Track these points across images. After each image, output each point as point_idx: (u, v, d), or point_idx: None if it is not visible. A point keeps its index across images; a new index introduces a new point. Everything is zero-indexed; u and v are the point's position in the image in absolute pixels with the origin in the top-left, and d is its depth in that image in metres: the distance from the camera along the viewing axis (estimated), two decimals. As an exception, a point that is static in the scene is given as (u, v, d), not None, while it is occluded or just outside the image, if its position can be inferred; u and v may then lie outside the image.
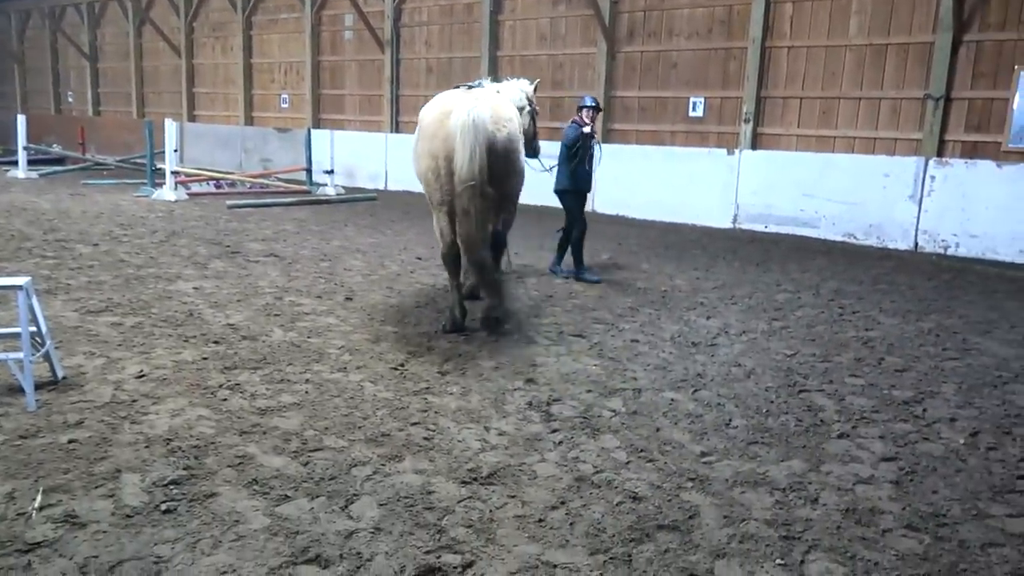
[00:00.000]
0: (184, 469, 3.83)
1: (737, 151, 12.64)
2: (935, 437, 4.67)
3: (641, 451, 4.35)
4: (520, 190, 6.74)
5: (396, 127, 18.04)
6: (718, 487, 3.96)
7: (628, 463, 4.20)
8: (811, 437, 4.62)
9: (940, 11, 10.75)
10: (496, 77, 9.52)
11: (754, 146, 12.61)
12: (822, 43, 11.89)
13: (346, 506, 3.59)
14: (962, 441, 4.62)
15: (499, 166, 6.03)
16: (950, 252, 10.73)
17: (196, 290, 7.41)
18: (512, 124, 6.33)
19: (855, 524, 3.64)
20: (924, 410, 5.09)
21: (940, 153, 10.94)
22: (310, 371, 5.30)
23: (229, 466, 3.90)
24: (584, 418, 4.77)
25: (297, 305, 7.02)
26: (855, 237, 11.47)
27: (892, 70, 11.35)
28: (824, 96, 11.98)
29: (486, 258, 6.11)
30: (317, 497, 3.65)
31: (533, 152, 7.91)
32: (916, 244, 11.01)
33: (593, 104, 8.59)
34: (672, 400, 5.12)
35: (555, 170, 8.55)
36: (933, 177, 10.79)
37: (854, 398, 5.28)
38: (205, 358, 5.44)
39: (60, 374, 4.84)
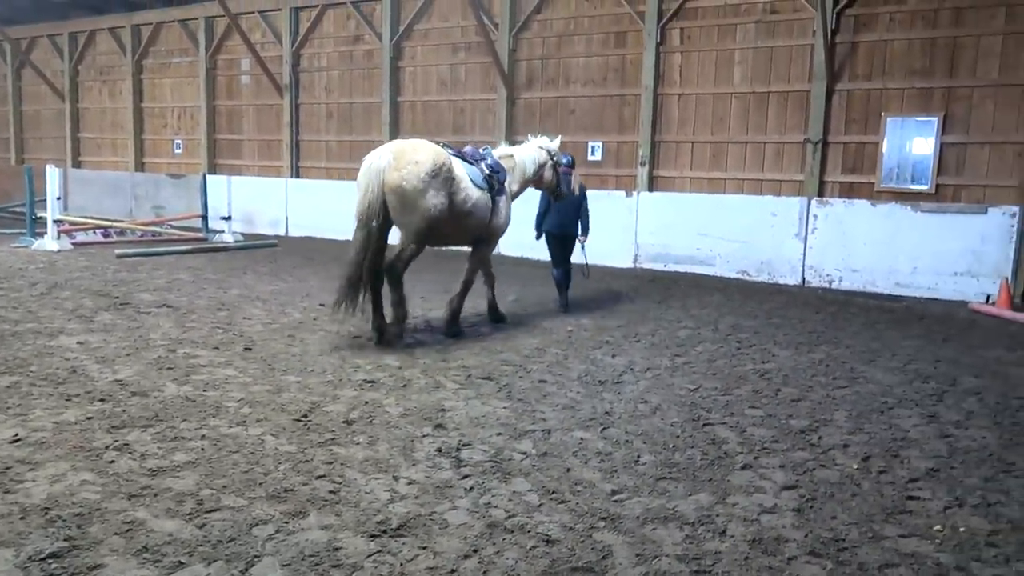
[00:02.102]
0: (65, 540, 3.54)
1: (635, 193, 13.05)
2: (831, 464, 4.85)
3: (552, 492, 4.32)
4: (418, 227, 7.27)
5: (296, 172, 17.77)
6: (629, 525, 3.96)
7: (540, 505, 4.16)
8: (716, 470, 4.71)
9: (814, 62, 11.54)
10: (514, 140, 11.55)
11: (651, 188, 13.08)
12: (710, 91, 12.54)
13: (246, 569, 3.39)
14: (855, 466, 4.81)
15: (392, 203, 7.11)
16: (834, 286, 11.36)
17: (80, 345, 6.95)
18: (415, 167, 7.05)
19: (762, 554, 3.71)
20: (819, 438, 5.29)
21: (821, 193, 11.65)
22: (206, 426, 5.03)
23: (116, 534, 3.62)
24: (495, 462, 4.71)
25: (192, 357, 6.69)
26: (748, 273, 11.98)
27: (774, 116, 12.07)
28: (714, 140, 12.61)
29: (357, 280, 7.15)
30: (214, 562, 3.43)
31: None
32: (804, 279, 11.61)
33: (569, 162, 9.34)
34: (581, 439, 5.14)
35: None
36: (816, 216, 11.45)
37: (755, 429, 5.44)
38: (90, 417, 5.09)
39: (-78, 442, 4.42)
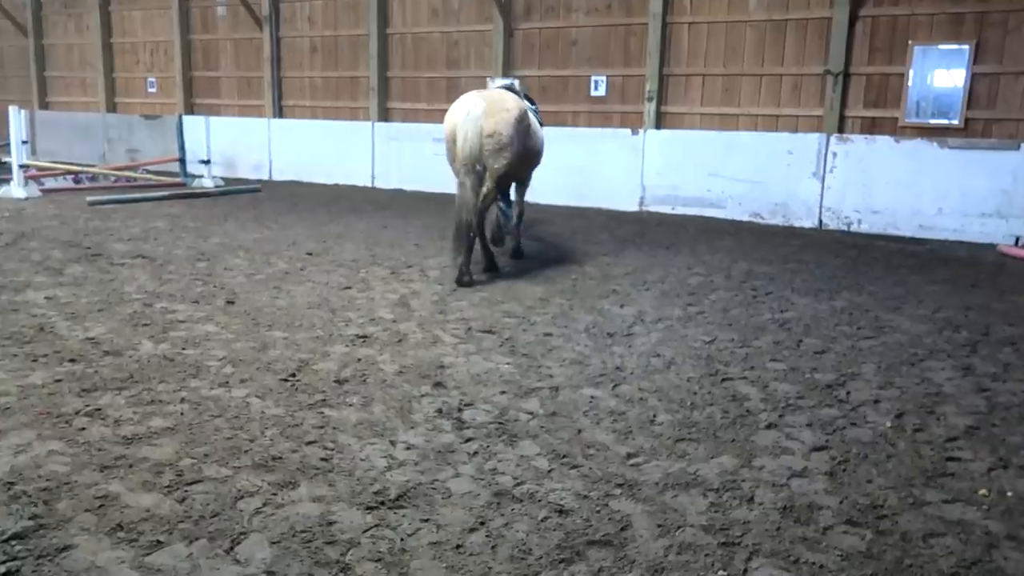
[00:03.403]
0: (30, 519, 3.20)
1: (641, 131, 12.47)
2: (862, 422, 4.49)
3: (563, 457, 3.97)
4: (504, 170, 7.84)
5: (279, 112, 17.02)
6: (648, 492, 3.62)
7: (550, 471, 3.82)
8: (739, 429, 4.36)
9: (836, -14, 10.86)
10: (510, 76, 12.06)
11: (658, 125, 12.49)
12: (723, 19, 11.84)
13: (232, 548, 3.06)
14: (888, 424, 4.46)
15: (488, 148, 7.59)
16: (853, 229, 10.89)
17: (49, 300, 6.54)
18: (507, 114, 7.71)
19: (794, 523, 3.37)
20: (848, 393, 4.93)
21: (841, 129, 11.08)
22: (186, 388, 4.67)
23: (88, 510, 3.28)
24: (499, 423, 4.36)
25: (170, 312, 6.29)
26: (761, 216, 11.50)
27: (792, 46, 11.41)
28: (726, 73, 11.96)
29: (472, 222, 7.60)
30: (196, 540, 3.10)
31: None
32: (820, 222, 11.12)
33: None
34: (592, 397, 4.78)
35: None
36: (835, 154, 10.91)
37: (777, 384, 5.08)
38: (58, 380, 4.72)
39: None
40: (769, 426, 4.40)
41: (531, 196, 13.35)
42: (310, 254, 8.71)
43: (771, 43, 11.55)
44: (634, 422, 4.43)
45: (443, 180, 12.37)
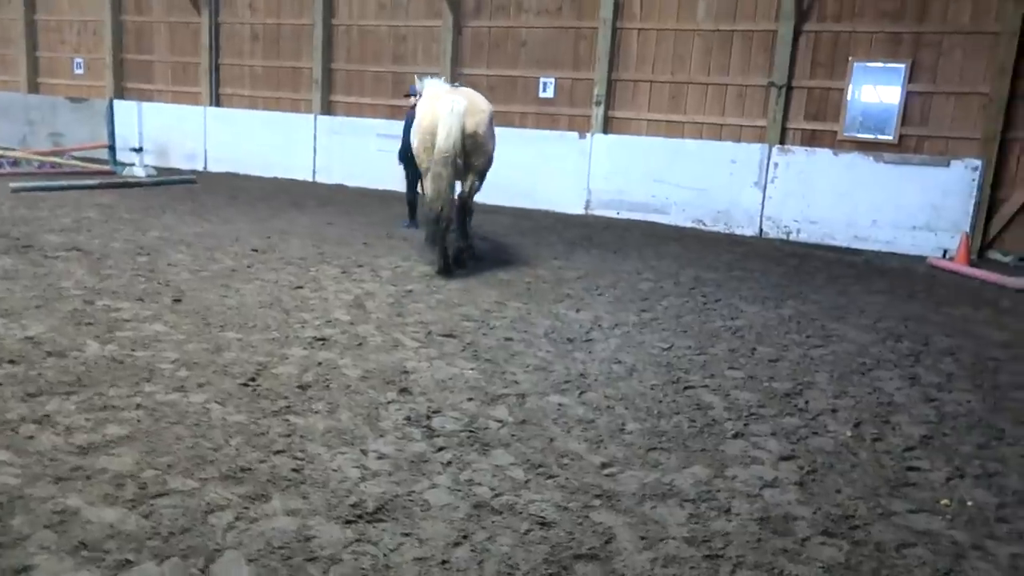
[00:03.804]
0: (-20, 536, 2.98)
1: (589, 135, 12.54)
2: (823, 431, 4.62)
3: (539, 467, 3.94)
4: (484, 166, 8.43)
5: (216, 100, 16.41)
6: (628, 503, 3.63)
7: (527, 482, 3.78)
8: (707, 438, 4.41)
9: (782, 0, 11.13)
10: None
11: (606, 130, 12.58)
12: (671, 26, 12.00)
13: (207, 567, 2.92)
14: (849, 433, 4.60)
15: (469, 146, 7.97)
16: (792, 238, 11.21)
17: (-20, 295, 6.14)
18: (483, 115, 8.19)
19: (773, 535, 3.43)
20: (806, 402, 5.06)
21: (783, 140, 11.38)
22: (140, 393, 4.43)
23: (46, 526, 3.08)
24: (470, 431, 4.30)
25: (114, 311, 5.96)
26: (704, 223, 11.72)
27: (738, 56, 11.66)
28: (673, 80, 12.13)
29: (446, 215, 7.82)
30: (168, 558, 2.94)
31: None
32: (761, 230, 11.41)
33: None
34: (560, 405, 4.76)
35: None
36: (776, 164, 11.21)
37: (738, 392, 5.17)
38: None
39: None
40: (736, 435, 4.47)
41: (477, 196, 13.39)
42: (256, 250, 8.41)
43: (718, 53, 11.79)
44: (604, 431, 4.43)
45: (387, 176, 12.25)
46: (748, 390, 5.23)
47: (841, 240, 10.86)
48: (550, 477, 3.85)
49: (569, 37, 12.83)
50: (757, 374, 5.56)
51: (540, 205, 12.85)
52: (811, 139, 11.32)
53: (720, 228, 11.61)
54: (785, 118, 11.34)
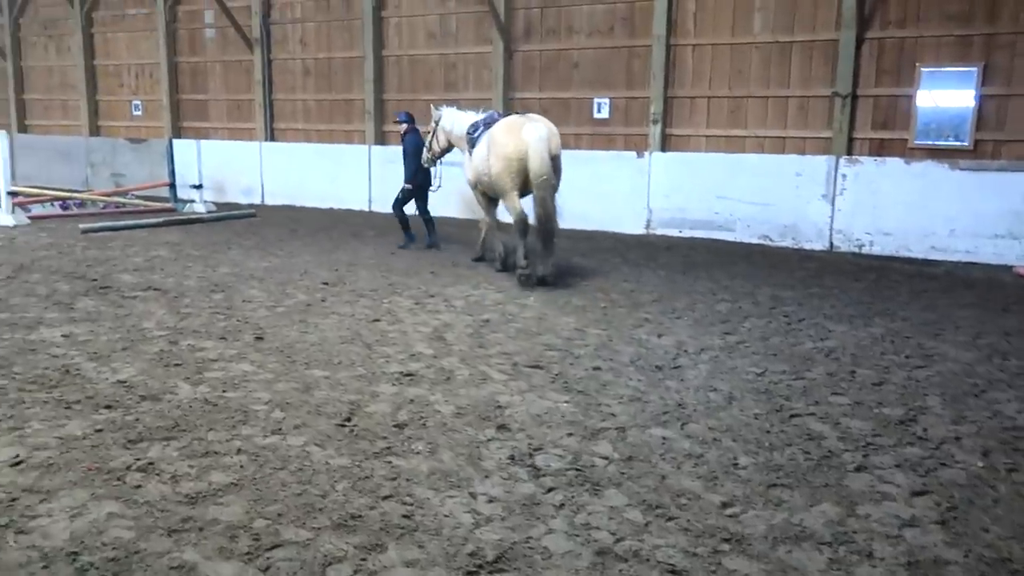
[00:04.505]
0: (102, 596, 2.88)
1: (647, 153, 12.34)
2: (950, 461, 4.33)
3: (656, 508, 3.75)
4: (557, 186, 8.87)
5: (271, 135, 16.61)
6: (759, 547, 3.41)
7: (647, 525, 3.59)
8: (828, 472, 4.17)
9: (842, 8, 10.83)
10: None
11: (664, 148, 12.37)
12: (727, 40, 11.78)
13: (330, 624, 2.78)
14: (980, 464, 4.30)
15: (553, 166, 8.62)
16: (864, 251, 10.83)
17: (66, 338, 6.13)
18: (558, 138, 8.91)
19: (927, 582, 3.18)
20: (924, 429, 4.77)
21: (850, 151, 11.04)
22: (238, 437, 4.35)
23: (165, 583, 2.98)
24: (577, 470, 4.12)
25: (199, 350, 5.93)
26: (770, 238, 11.41)
27: (799, 68, 11.38)
28: (732, 95, 11.88)
29: (557, 225, 8.65)
30: (289, 616, 2.81)
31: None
32: (831, 244, 11.06)
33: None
34: (664, 439, 4.56)
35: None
36: (844, 175, 10.86)
37: (848, 420, 4.91)
38: (99, 429, 4.37)
39: (-96, 470, 3.68)
40: (858, 468, 4.22)
41: (533, 219, 13.25)
42: (326, 284, 8.37)
43: (777, 65, 11.52)
44: (716, 466, 4.22)
45: (444, 204, 12.18)
46: (858, 417, 4.96)
47: (917, 252, 10.46)
48: (670, 519, 3.65)
49: (622, 56, 12.67)
50: (863, 399, 5.29)
51: (598, 226, 12.66)
52: (880, 148, 10.96)
53: (788, 243, 11.29)
54: (851, 128, 11.00)
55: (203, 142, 15.69)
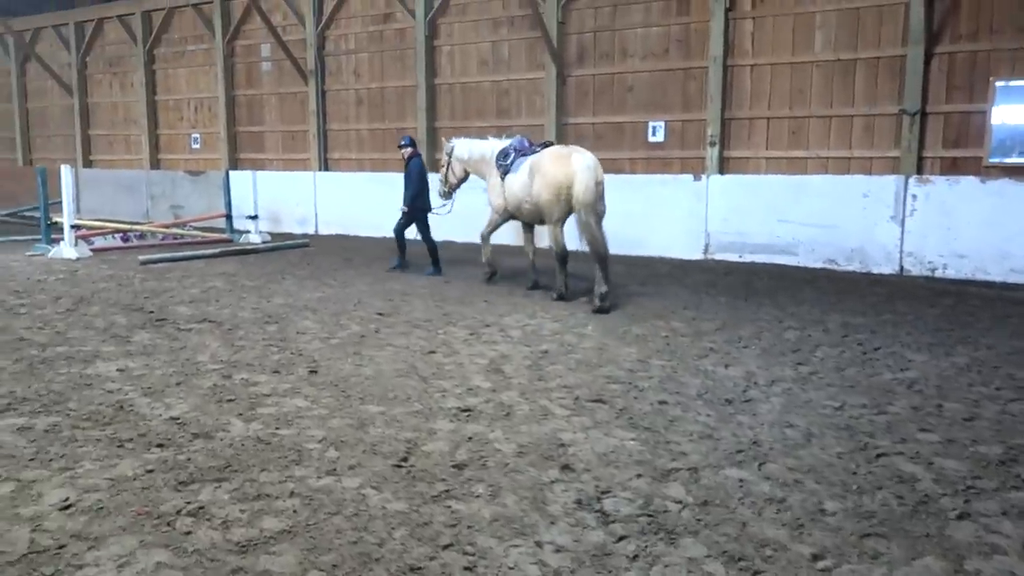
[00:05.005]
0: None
1: (704, 176, 12.03)
2: (1064, 508, 3.92)
3: (739, 560, 3.42)
4: (603, 212, 9.01)
5: (325, 165, 16.79)
6: (859, 609, 3.07)
7: (732, 581, 3.27)
8: (927, 520, 3.79)
9: (909, 22, 10.44)
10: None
11: (722, 170, 12.05)
12: (787, 60, 11.46)
13: None
14: (1099, 512, 3.88)
15: (598, 194, 8.79)
16: (937, 274, 10.32)
17: (121, 372, 6.07)
18: (600, 168, 8.94)
19: (1053, 652, 2.80)
20: (1029, 470, 4.36)
21: (920, 170, 10.57)
22: (291, 478, 4.16)
23: (213, 641, 2.78)
24: (649, 515, 3.82)
25: (252, 385, 5.81)
26: (836, 263, 10.96)
27: (862, 86, 10.99)
28: (792, 116, 11.53)
29: (607, 252, 8.72)
30: None
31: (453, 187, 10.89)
32: (901, 267, 10.56)
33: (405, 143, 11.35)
34: (741, 481, 4.23)
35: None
36: (915, 196, 10.40)
37: (942, 461, 4.51)
38: (150, 470, 4.23)
39: (-46, 514, 3.57)
40: (960, 516, 3.83)
41: (586, 245, 13.03)
42: (381, 314, 8.23)
43: (840, 83, 11.14)
44: (801, 512, 3.87)
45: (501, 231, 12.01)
46: (952, 457, 4.56)
47: (995, 274, 9.90)
48: (756, 573, 3.33)
49: (678, 78, 12.43)
50: (955, 436, 4.88)
51: (654, 252, 12.36)
52: (952, 167, 10.46)
53: (855, 267, 10.82)
54: (921, 147, 10.53)
55: (259, 173, 15.92)
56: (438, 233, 11.55)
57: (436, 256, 11.09)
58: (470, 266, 11.37)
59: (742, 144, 11.99)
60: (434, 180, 11.06)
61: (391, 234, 15.17)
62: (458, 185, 10.71)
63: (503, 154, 9.63)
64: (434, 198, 10.99)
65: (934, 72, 10.44)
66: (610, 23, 12.93)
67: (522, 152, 9.47)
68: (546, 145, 9.54)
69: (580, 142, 13.35)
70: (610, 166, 13.04)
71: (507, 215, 9.85)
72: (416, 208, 10.87)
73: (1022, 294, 9.31)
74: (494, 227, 10.15)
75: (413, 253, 11.52)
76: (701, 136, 12.29)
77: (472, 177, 10.65)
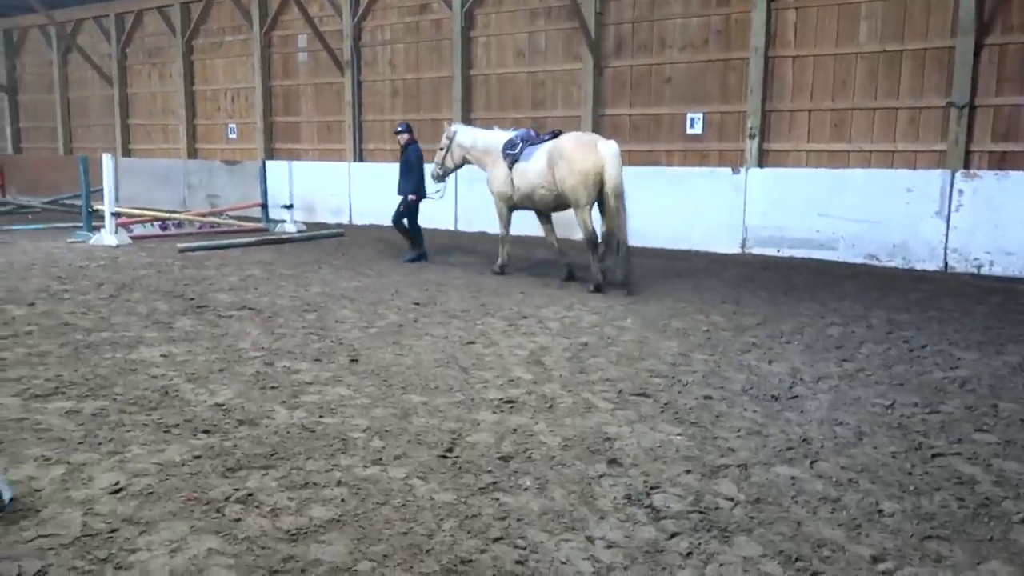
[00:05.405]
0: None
1: (743, 169, 11.86)
2: None
3: (796, 560, 3.34)
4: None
5: (360, 155, 16.82)
6: (925, 614, 2.97)
7: (789, 581, 3.18)
8: (990, 524, 3.67)
9: (959, 13, 10.17)
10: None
11: (761, 163, 11.86)
12: (830, 51, 11.23)
13: None
14: None
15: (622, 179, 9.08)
16: (983, 271, 10.07)
17: (165, 358, 6.11)
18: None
19: None
20: (1094, 474, 4.21)
21: (967, 164, 10.32)
22: (337, 467, 4.14)
23: (264, 629, 2.76)
24: (700, 512, 3.74)
25: (294, 372, 5.81)
26: (878, 258, 10.74)
27: (908, 78, 10.74)
28: (835, 108, 11.31)
29: (623, 238, 9.04)
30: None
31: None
32: (946, 264, 10.32)
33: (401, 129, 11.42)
34: (793, 479, 4.13)
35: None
36: (961, 191, 10.15)
37: (1001, 462, 4.37)
38: (197, 456, 4.23)
39: (6, 496, 3.60)
40: (1024, 519, 3.71)
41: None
42: (418, 304, 8.21)
43: (885, 75, 10.90)
44: (857, 512, 3.77)
45: (528, 221, 11.95)
46: (1012, 459, 4.42)
47: (1045, 272, 9.66)
48: (814, 574, 3.25)
49: (717, 70, 12.25)
50: (1014, 437, 4.74)
51: (692, 246, 12.21)
52: (1001, 161, 10.19)
53: (897, 263, 10.59)
54: (969, 140, 10.27)
55: (294, 163, 15.98)
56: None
57: (421, 242, 11.20)
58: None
59: (782, 137, 11.78)
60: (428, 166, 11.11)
61: (424, 224, 15.16)
62: (454, 170, 10.79)
63: (510, 144, 9.70)
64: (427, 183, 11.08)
65: (984, 64, 10.16)
66: (648, 13, 12.75)
67: (530, 141, 9.58)
68: (554, 134, 9.56)
69: (617, 134, 13.25)
70: (647, 158, 12.97)
71: (513, 204, 9.92)
72: (420, 196, 10.99)
73: (1073, 293, 9.06)
74: (507, 222, 10.19)
75: (388, 240, 11.50)
76: (740, 128, 12.10)
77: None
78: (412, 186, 10.91)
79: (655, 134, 12.79)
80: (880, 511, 3.80)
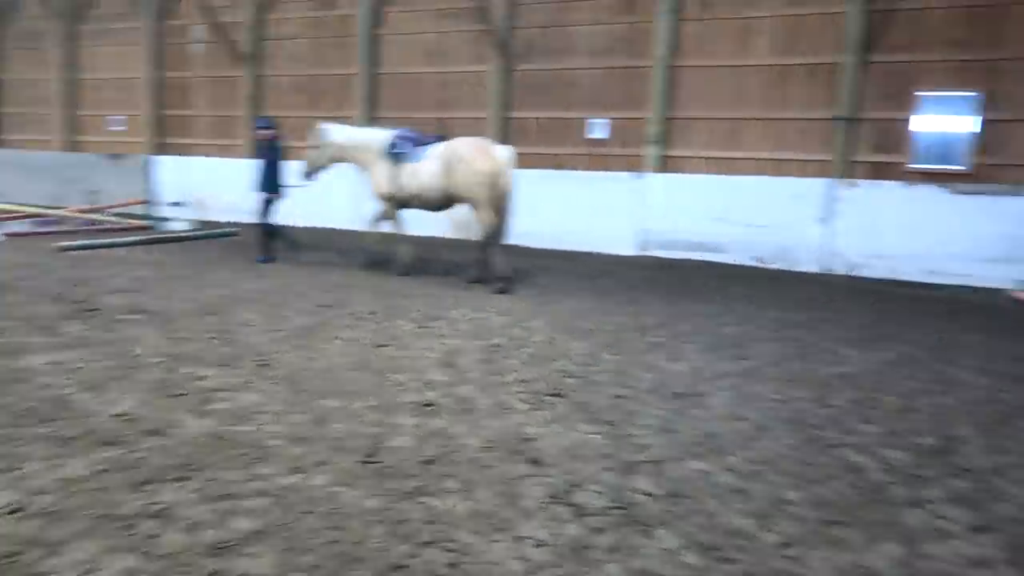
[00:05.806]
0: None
1: (643, 175, 12.25)
2: (1002, 495, 4.18)
3: (712, 549, 3.52)
4: None
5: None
6: (831, 594, 3.20)
7: (707, 569, 3.36)
8: (881, 508, 3.99)
9: (846, 32, 10.87)
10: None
11: (661, 169, 12.29)
12: (728, 62, 11.77)
13: None
14: (1032, 497, 4.16)
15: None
16: (857, 274, 10.83)
17: (55, 366, 5.73)
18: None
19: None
20: (967, 460, 4.63)
21: (848, 174, 11.05)
22: (257, 477, 4.03)
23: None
24: (620, 508, 3.88)
25: (200, 379, 5.58)
26: (763, 260, 11.36)
27: (799, 91, 11.41)
28: (732, 117, 11.86)
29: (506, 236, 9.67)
30: None
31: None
32: (826, 266, 11.03)
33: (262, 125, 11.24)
34: (704, 472, 4.34)
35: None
36: (841, 199, 10.87)
37: (886, 452, 4.74)
38: (103, 469, 4.01)
39: None
40: (912, 503, 4.05)
41: (528, 240, 13.13)
42: (324, 306, 8.06)
43: (778, 88, 11.54)
44: (764, 502, 4.01)
45: (430, 221, 11.96)
46: (895, 448, 4.80)
47: (911, 274, 10.48)
48: (729, 561, 3.43)
49: (621, 77, 12.61)
50: (895, 428, 5.14)
51: (593, 248, 12.53)
52: (877, 172, 10.99)
53: (780, 265, 11.24)
54: (851, 151, 11.02)
55: (185, 159, 15.29)
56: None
57: (278, 241, 11.08)
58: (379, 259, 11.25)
59: (682, 143, 12.27)
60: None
61: (321, 224, 14.80)
62: (323, 169, 10.84)
63: (392, 144, 9.88)
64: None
65: (867, 80, 10.91)
66: (557, 19, 12.97)
67: (416, 141, 9.85)
68: (440, 137, 9.91)
69: (523, 136, 13.44)
70: (552, 161, 13.20)
71: (397, 203, 10.06)
72: (276, 190, 10.90)
73: (939, 293, 9.87)
74: (394, 221, 10.31)
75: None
76: (643, 134, 12.50)
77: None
78: (273, 184, 10.81)
79: (562, 138, 13.04)
80: (784, 500, 4.05)
